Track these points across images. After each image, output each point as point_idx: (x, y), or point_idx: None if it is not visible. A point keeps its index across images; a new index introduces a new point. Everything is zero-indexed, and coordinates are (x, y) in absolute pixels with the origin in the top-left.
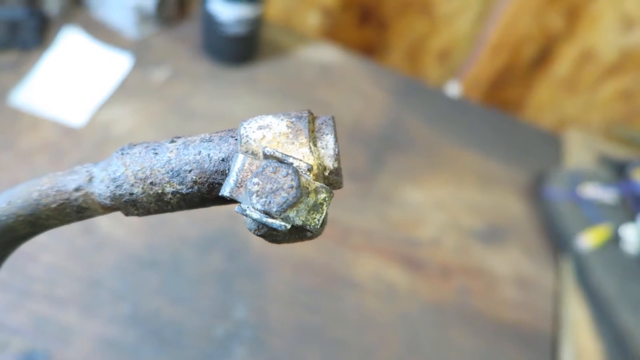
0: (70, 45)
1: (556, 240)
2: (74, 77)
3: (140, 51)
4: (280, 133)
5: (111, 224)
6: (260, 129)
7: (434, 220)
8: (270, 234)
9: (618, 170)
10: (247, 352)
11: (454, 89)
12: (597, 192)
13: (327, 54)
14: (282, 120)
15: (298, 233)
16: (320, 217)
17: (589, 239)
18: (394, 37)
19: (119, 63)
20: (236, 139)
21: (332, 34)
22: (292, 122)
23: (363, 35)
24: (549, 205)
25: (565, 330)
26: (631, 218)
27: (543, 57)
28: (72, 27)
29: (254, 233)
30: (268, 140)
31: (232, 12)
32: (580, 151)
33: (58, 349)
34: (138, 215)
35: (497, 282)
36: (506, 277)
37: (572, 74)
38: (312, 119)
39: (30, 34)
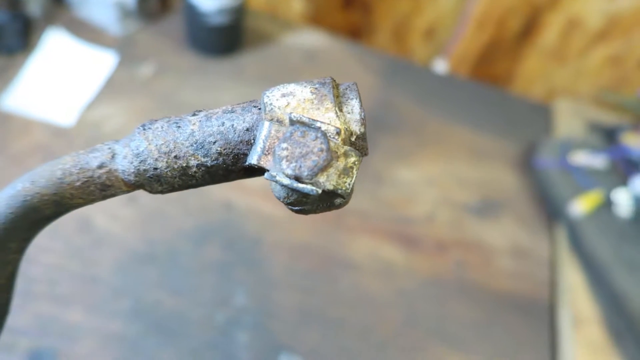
0: (55, 46)
1: (549, 209)
2: (60, 78)
3: (124, 48)
4: (304, 99)
5: (107, 221)
6: (284, 96)
7: (428, 197)
8: (300, 201)
9: (608, 136)
10: (249, 337)
11: (441, 66)
12: (588, 158)
13: (312, 39)
14: (305, 87)
15: (328, 199)
16: (351, 181)
17: (582, 206)
18: (378, 18)
19: (105, 61)
20: (259, 109)
21: (316, 19)
22: (316, 89)
23: (348, 19)
24: (540, 175)
25: (562, 297)
26: (622, 182)
27: (529, 28)
28: (56, 28)
29: (282, 201)
30: (293, 107)
31: (213, 2)
32: (570, 120)
33: (64, 347)
34: (162, 192)
35: (493, 253)
36: (502, 248)
37: (559, 44)
38: (335, 84)
39: (14, 38)
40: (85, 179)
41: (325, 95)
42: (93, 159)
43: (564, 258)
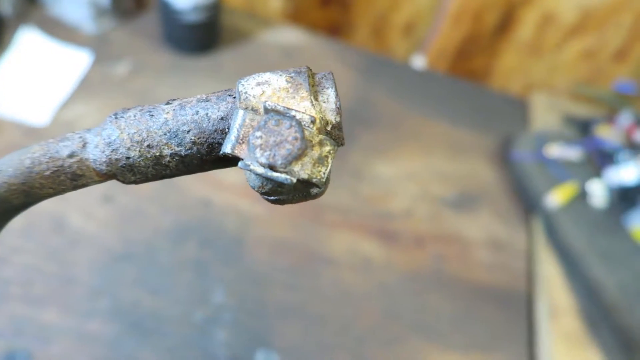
0: (28, 45)
1: (526, 202)
2: (33, 77)
3: (99, 46)
4: (280, 88)
5: (82, 220)
6: (259, 85)
7: (406, 192)
8: (275, 191)
9: (583, 129)
10: (228, 334)
11: (419, 61)
12: (562, 151)
13: (291, 36)
14: (280, 76)
15: (303, 189)
16: (326, 170)
17: (557, 197)
18: (357, 14)
19: (79, 60)
20: (234, 97)
21: (295, 16)
22: (292, 77)
23: (327, 16)
24: (516, 168)
25: (539, 287)
26: (596, 173)
27: (505, 23)
28: (28, 27)
29: (257, 191)
30: (268, 95)
31: (188, 0)
32: (545, 113)
33: (39, 348)
34: (135, 182)
35: (471, 246)
36: (479, 241)
37: (535, 38)
38: (311, 74)
39: None
40: (55, 168)
41: (301, 84)
42: (63, 148)
43: (541, 250)
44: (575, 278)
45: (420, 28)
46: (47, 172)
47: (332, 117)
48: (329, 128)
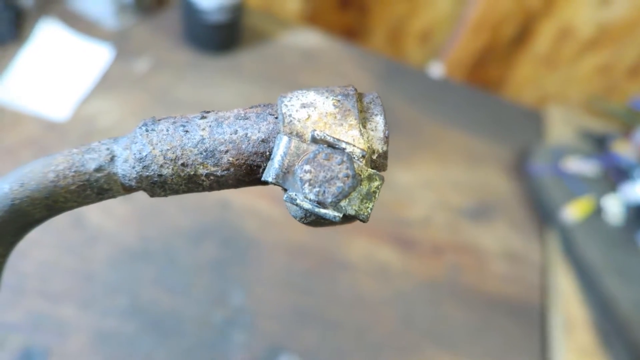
0: (48, 38)
1: (541, 214)
2: (54, 71)
3: (120, 42)
4: (326, 113)
5: (101, 216)
6: (304, 107)
7: (423, 200)
8: (317, 222)
9: (598, 144)
10: (246, 337)
11: (436, 69)
12: (579, 165)
13: (309, 38)
14: (327, 98)
15: (346, 221)
16: (372, 205)
17: (573, 211)
18: (374, 20)
19: (100, 55)
20: (276, 117)
21: (313, 18)
22: (339, 101)
23: (344, 19)
24: (533, 181)
25: (553, 301)
26: (612, 189)
27: (522, 35)
28: (49, 20)
29: (299, 221)
30: (313, 120)
31: (213, 0)
32: (561, 126)
33: (56, 344)
34: (164, 196)
35: (487, 257)
36: (495, 252)
37: (551, 51)
38: (359, 97)
39: (6, 27)
40: (81, 183)
41: (349, 110)
42: (90, 161)
43: (556, 263)
44: (590, 292)
45: (437, 36)
46: (73, 187)
47: (379, 147)
48: (374, 156)
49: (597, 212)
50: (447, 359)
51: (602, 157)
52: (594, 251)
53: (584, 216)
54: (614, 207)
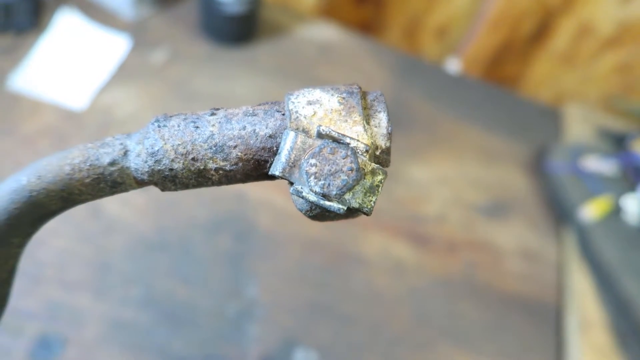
0: (67, 27)
1: (559, 213)
2: (72, 60)
3: (138, 32)
4: (332, 110)
5: (119, 207)
6: (310, 104)
7: (439, 196)
8: (322, 215)
9: (617, 143)
10: (260, 330)
11: (453, 65)
12: (598, 164)
13: (325, 32)
14: (332, 95)
15: (350, 214)
16: (375, 198)
17: (591, 211)
18: (391, 14)
19: (117, 45)
20: (283, 114)
21: (329, 12)
22: (344, 98)
23: (360, 13)
24: (550, 179)
25: (569, 300)
26: (631, 189)
27: (541, 31)
28: (68, 9)
29: (304, 214)
30: (319, 117)
31: None
32: (579, 124)
33: (72, 332)
34: (175, 190)
35: (502, 255)
36: (511, 250)
37: (570, 48)
38: (363, 95)
39: (25, 16)
40: (96, 176)
41: (354, 107)
42: (104, 155)
43: (572, 262)
44: (607, 292)
45: (454, 32)
46: (88, 180)
47: (382, 142)
48: (377, 152)
49: (616, 212)
50: (461, 356)
51: (621, 156)
52: (611, 251)
53: (602, 216)
54: (632, 206)
